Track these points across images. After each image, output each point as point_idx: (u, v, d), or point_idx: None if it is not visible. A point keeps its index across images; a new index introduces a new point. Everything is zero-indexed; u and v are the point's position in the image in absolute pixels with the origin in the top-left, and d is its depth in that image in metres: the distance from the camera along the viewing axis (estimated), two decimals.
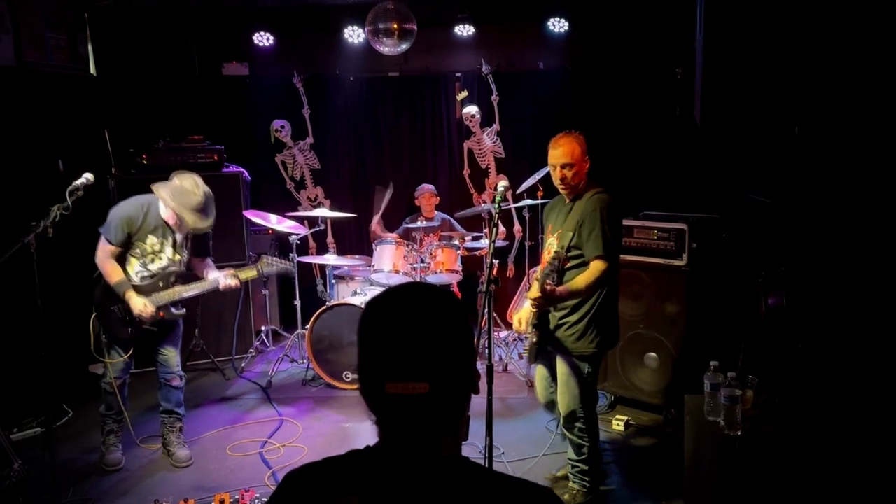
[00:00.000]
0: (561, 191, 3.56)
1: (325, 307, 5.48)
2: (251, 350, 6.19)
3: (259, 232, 6.44)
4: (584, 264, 3.42)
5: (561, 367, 3.54)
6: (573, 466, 3.67)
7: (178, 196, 3.90)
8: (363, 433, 4.68)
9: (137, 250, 4.05)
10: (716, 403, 3.04)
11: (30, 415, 4.76)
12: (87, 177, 3.86)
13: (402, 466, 1.25)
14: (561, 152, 3.45)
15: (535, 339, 3.44)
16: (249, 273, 4.30)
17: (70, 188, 3.74)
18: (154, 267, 4.09)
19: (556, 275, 3.32)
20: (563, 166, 3.45)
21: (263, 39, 6.73)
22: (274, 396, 5.35)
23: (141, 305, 3.96)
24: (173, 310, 4.16)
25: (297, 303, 5.95)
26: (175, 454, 4.30)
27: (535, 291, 3.25)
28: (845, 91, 3.31)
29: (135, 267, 4.07)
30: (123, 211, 3.98)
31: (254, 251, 6.28)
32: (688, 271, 4.43)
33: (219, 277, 4.20)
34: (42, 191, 4.73)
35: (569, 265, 3.43)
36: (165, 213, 4.03)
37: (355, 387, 5.39)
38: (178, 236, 4.12)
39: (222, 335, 6.07)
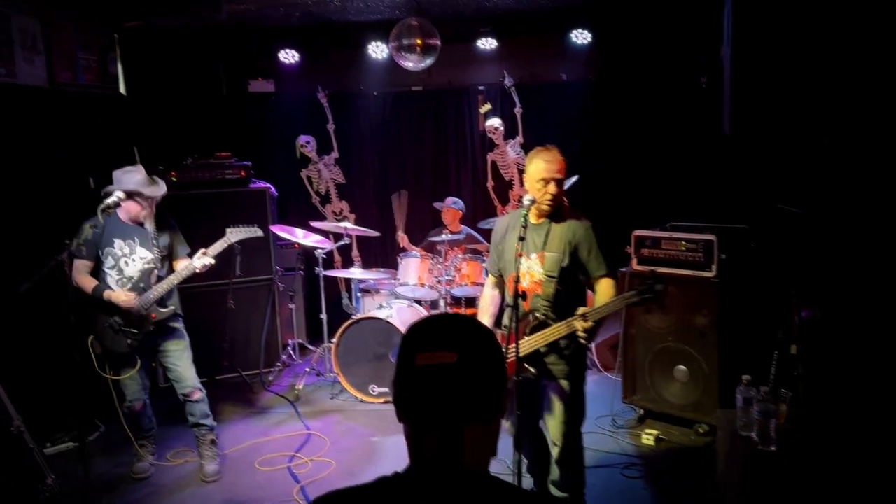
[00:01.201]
0: (546, 207, 3.28)
1: (351, 321, 5.50)
2: (278, 364, 6.23)
3: (285, 246, 6.49)
4: (573, 281, 3.32)
5: (559, 394, 3.33)
6: None
7: (126, 178, 4.03)
8: (391, 447, 4.68)
9: (110, 258, 4.11)
10: (749, 418, 2.99)
11: (62, 430, 4.82)
12: (118, 194, 3.94)
13: (430, 490, 1.24)
14: (557, 167, 3.22)
15: (534, 371, 3.26)
16: (218, 247, 4.25)
17: (102, 206, 3.81)
18: (130, 270, 4.13)
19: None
20: (557, 181, 3.23)
21: (289, 57, 6.81)
22: (301, 410, 5.36)
23: (123, 296, 4.02)
24: (161, 308, 4.19)
25: (324, 316, 5.98)
26: (204, 468, 4.33)
27: (581, 324, 3.04)
28: (876, 101, 3.26)
29: (113, 276, 4.12)
30: (85, 225, 4.06)
31: (280, 266, 6.33)
32: (717, 283, 4.38)
33: (192, 261, 4.19)
34: (74, 208, 4.83)
35: (561, 288, 3.26)
36: (125, 215, 4.11)
37: (382, 400, 5.40)
38: (148, 226, 4.15)
39: (250, 349, 6.12)
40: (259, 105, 7.05)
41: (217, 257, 4.26)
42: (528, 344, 3.20)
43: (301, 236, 5.83)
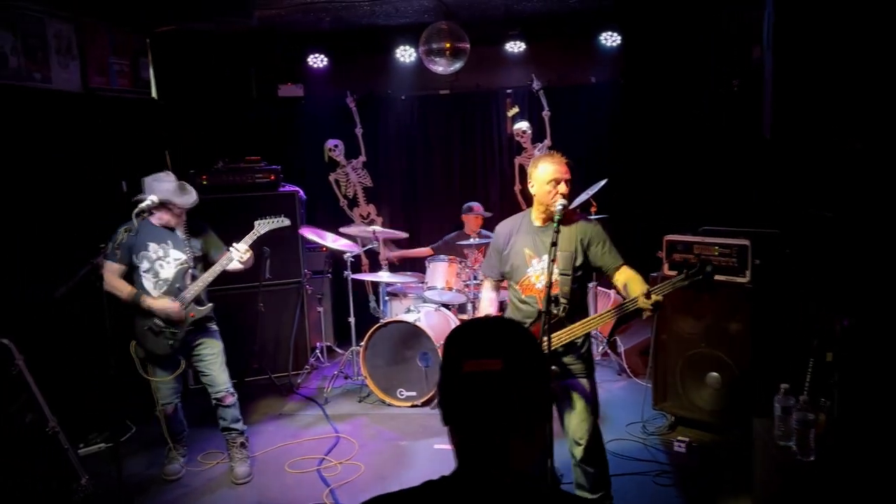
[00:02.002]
0: (556, 210, 3.26)
1: (379, 324, 5.50)
2: (306, 366, 6.25)
3: (314, 249, 6.52)
4: (585, 279, 3.44)
5: (580, 391, 3.35)
6: None
7: (157, 186, 4.06)
8: (419, 451, 4.67)
9: (145, 262, 4.15)
10: (787, 427, 2.94)
11: (94, 430, 4.88)
12: (153, 198, 3.99)
13: (478, 494, 1.24)
14: (564, 168, 3.32)
15: (556, 368, 3.31)
16: (249, 239, 4.27)
17: (136, 210, 3.85)
18: (165, 273, 4.18)
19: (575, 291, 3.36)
20: (566, 181, 3.32)
21: (318, 61, 6.85)
22: (329, 413, 5.38)
23: (163, 304, 4.08)
24: (199, 307, 4.24)
25: (352, 319, 5.99)
26: (235, 470, 4.36)
27: (645, 302, 3.02)
28: None
29: (150, 279, 4.17)
30: (120, 229, 4.04)
31: (309, 269, 6.36)
32: (751, 288, 4.31)
33: (230, 255, 4.21)
34: (107, 212, 4.89)
35: (575, 286, 3.35)
36: (157, 221, 4.16)
37: (409, 404, 5.40)
38: (179, 232, 4.21)
39: (279, 351, 6.15)
40: (288, 109, 7.10)
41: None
42: (560, 338, 3.24)
43: (329, 240, 5.85)
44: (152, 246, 4.15)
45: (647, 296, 3.03)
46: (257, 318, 5.74)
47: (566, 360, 3.35)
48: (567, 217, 3.39)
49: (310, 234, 5.84)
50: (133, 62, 6.06)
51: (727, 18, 5.85)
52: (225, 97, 6.74)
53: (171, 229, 4.21)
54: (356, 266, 6.85)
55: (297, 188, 6.24)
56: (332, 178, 7.19)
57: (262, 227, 4.37)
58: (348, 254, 5.89)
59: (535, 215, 3.46)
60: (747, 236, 4.42)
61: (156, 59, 6.29)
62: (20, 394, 3.85)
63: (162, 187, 4.08)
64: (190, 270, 4.21)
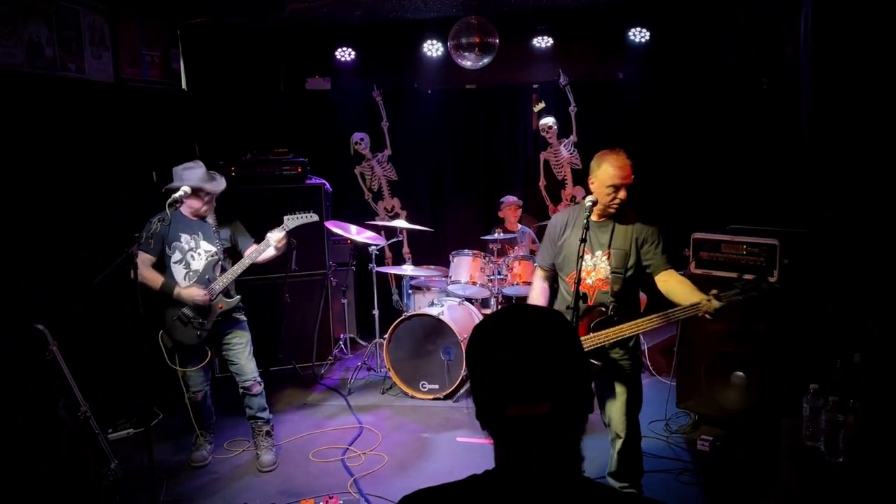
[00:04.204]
0: (611, 210, 3.31)
1: (403, 317, 5.54)
2: (330, 357, 6.30)
3: (338, 242, 6.56)
4: (636, 279, 3.40)
5: (622, 387, 3.39)
6: None
7: (187, 174, 4.12)
8: (442, 444, 4.70)
9: (177, 252, 4.21)
10: (816, 428, 2.92)
11: (122, 416, 4.96)
12: (185, 189, 4.04)
13: (523, 491, 1.24)
14: (626, 172, 3.25)
15: (599, 363, 3.32)
16: (277, 233, 4.28)
17: (170, 200, 3.91)
18: (196, 264, 4.23)
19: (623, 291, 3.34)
20: (627, 187, 3.26)
21: (345, 55, 6.89)
22: (353, 404, 5.43)
23: (193, 292, 4.13)
24: (227, 299, 4.29)
25: (376, 312, 6.03)
26: (260, 458, 4.41)
27: (710, 305, 3.06)
28: None
29: (180, 270, 4.22)
30: (153, 220, 4.08)
31: (333, 261, 6.40)
32: (779, 288, 4.27)
33: (259, 248, 4.24)
34: (138, 201, 4.95)
35: (626, 284, 3.36)
36: (188, 210, 4.22)
37: (432, 397, 5.43)
38: (210, 220, 4.27)
39: (303, 342, 6.19)
40: (315, 102, 7.15)
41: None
42: (608, 337, 3.24)
43: (354, 232, 5.88)
44: (185, 237, 4.22)
45: (715, 299, 3.05)
46: (283, 309, 5.79)
47: (613, 354, 3.37)
48: (626, 214, 3.38)
49: (334, 227, 5.88)
50: (164, 54, 6.13)
51: (743, 14, 5.78)
52: (253, 89, 6.79)
53: (203, 220, 4.27)
54: (380, 259, 6.88)
55: (323, 181, 6.27)
56: (357, 171, 7.23)
57: (291, 222, 4.37)
58: (373, 246, 5.93)
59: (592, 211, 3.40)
60: (776, 236, 4.38)
61: (186, 50, 6.36)
62: (54, 379, 3.93)
63: (192, 174, 4.15)
64: (220, 262, 4.26)
